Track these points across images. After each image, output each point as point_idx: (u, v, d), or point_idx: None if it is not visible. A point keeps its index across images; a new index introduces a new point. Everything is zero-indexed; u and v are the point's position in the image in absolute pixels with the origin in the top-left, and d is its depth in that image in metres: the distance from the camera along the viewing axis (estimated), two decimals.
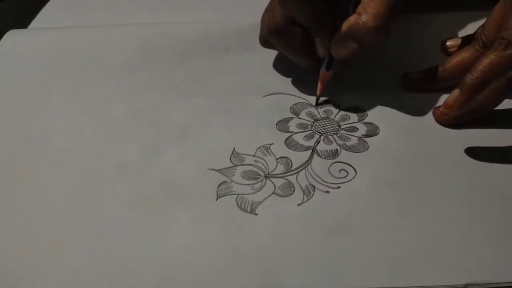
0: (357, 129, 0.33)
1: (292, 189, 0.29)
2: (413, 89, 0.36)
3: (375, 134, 0.33)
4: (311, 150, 0.32)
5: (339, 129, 0.33)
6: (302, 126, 0.34)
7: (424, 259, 0.25)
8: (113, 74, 0.39)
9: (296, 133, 0.33)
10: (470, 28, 0.41)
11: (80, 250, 0.26)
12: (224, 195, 0.29)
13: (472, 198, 0.28)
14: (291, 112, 0.35)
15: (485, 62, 0.29)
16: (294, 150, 0.32)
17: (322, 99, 0.36)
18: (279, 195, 0.29)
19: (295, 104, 0.36)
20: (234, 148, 0.32)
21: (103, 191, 0.29)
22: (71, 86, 0.38)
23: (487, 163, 0.30)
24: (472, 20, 0.42)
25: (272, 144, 0.32)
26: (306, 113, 0.35)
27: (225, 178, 0.30)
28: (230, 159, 0.31)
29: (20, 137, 0.33)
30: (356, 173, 0.30)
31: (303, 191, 0.29)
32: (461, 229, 0.27)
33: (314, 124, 0.34)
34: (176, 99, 0.36)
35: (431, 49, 0.40)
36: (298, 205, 0.28)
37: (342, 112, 0.35)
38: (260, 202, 0.28)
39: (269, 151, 0.32)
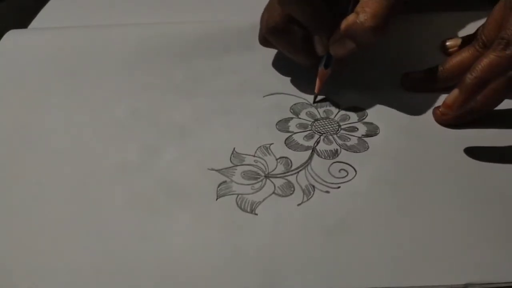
0: (357, 129, 0.33)
1: (292, 189, 0.29)
2: (413, 89, 0.36)
3: (375, 134, 0.33)
4: (311, 150, 0.32)
5: (339, 129, 0.33)
6: (302, 126, 0.34)
7: (424, 259, 0.25)
8: (113, 74, 0.39)
9: (296, 133, 0.33)
10: (470, 28, 0.40)
11: (80, 250, 0.26)
12: (224, 195, 0.29)
13: (472, 198, 0.28)
14: (291, 112, 0.35)
15: (484, 62, 0.29)
16: (294, 150, 0.32)
17: (320, 97, 0.36)
18: (279, 195, 0.29)
19: (295, 104, 0.36)
20: (234, 148, 0.32)
21: (103, 191, 0.29)
22: (71, 86, 0.38)
23: (487, 163, 0.30)
24: (472, 20, 0.42)
25: (272, 144, 0.32)
26: (306, 113, 0.35)
27: (225, 178, 0.30)
28: (230, 159, 0.31)
29: (20, 137, 0.33)
30: (356, 173, 0.30)
31: (303, 191, 0.29)
32: (461, 229, 0.27)
33: (314, 124, 0.34)
34: (176, 99, 0.36)
35: (431, 49, 0.40)
36: (298, 205, 0.28)
37: (342, 112, 0.35)
38: (260, 202, 0.28)
39: (269, 151, 0.32)
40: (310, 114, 0.35)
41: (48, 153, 0.32)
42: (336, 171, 0.30)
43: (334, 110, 0.35)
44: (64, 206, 0.29)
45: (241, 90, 0.37)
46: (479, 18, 0.41)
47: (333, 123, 0.34)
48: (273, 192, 0.29)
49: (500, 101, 0.32)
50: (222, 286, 0.25)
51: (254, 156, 0.31)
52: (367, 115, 0.34)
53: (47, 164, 0.31)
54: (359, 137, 0.33)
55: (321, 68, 0.35)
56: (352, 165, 0.30)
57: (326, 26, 0.33)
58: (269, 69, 0.39)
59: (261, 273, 0.25)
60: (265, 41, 0.36)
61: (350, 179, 0.30)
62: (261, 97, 0.36)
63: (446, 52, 0.39)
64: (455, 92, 0.31)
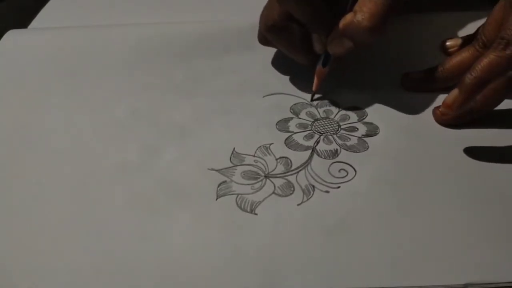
0: (357, 129, 0.33)
1: (292, 189, 0.29)
2: (413, 89, 0.36)
3: (375, 134, 0.33)
4: (311, 150, 0.32)
5: (339, 129, 0.33)
6: (302, 126, 0.34)
7: (424, 259, 0.25)
8: (113, 74, 0.39)
9: (296, 133, 0.33)
10: (470, 28, 0.40)
11: (80, 250, 0.26)
12: (224, 195, 0.29)
13: (472, 198, 0.28)
14: (291, 112, 0.35)
15: (484, 62, 0.29)
16: (294, 150, 0.32)
17: (317, 95, 0.36)
18: (279, 195, 0.29)
19: (295, 104, 0.36)
20: (234, 148, 0.32)
21: (103, 191, 0.29)
22: (71, 86, 0.38)
23: (487, 163, 0.30)
24: (472, 20, 0.42)
25: (272, 144, 0.32)
26: (306, 113, 0.35)
27: (225, 178, 0.30)
28: (230, 159, 0.31)
29: (20, 137, 0.33)
30: (356, 173, 0.30)
31: (303, 191, 0.29)
32: (461, 229, 0.27)
33: (314, 124, 0.34)
34: (176, 99, 0.36)
35: (431, 49, 0.40)
36: (298, 205, 0.28)
37: (342, 112, 0.35)
38: (260, 202, 0.28)
39: (269, 151, 0.32)
40: (310, 114, 0.35)
41: (48, 153, 0.32)
42: (336, 171, 0.30)
43: (334, 110, 0.35)
44: (64, 206, 0.29)
45: (241, 90, 0.37)
46: (479, 18, 0.41)
47: (333, 123, 0.34)
48: (273, 192, 0.29)
49: (500, 101, 0.32)
50: (222, 286, 0.25)
51: (254, 156, 0.31)
52: (367, 115, 0.34)
53: (47, 164, 0.31)
54: (359, 137, 0.33)
55: (319, 67, 0.35)
56: (352, 165, 0.30)
57: (325, 24, 0.33)
58: (269, 69, 0.39)
59: (261, 273, 0.25)
60: (264, 39, 0.36)
61: (350, 179, 0.30)
62: (261, 97, 0.36)
63: (446, 52, 0.39)
64: (455, 92, 0.31)
